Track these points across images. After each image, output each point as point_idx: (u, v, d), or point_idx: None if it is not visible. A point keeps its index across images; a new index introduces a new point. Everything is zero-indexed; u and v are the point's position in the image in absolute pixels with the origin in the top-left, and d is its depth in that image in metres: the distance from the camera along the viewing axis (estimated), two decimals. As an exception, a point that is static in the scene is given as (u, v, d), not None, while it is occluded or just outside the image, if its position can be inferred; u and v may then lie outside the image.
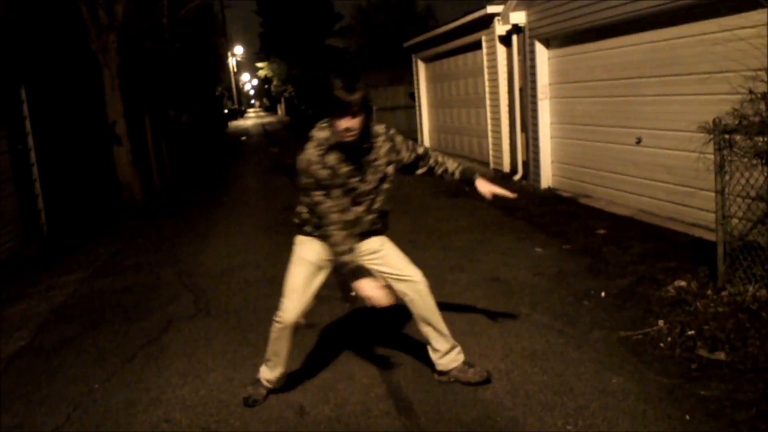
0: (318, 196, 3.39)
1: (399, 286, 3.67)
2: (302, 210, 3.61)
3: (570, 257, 6.36)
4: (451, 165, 3.78)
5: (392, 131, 3.62)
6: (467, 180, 3.74)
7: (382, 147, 3.51)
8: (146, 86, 14.46)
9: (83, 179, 10.47)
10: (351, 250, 3.43)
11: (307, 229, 3.60)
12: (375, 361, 4.30)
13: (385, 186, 3.59)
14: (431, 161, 3.76)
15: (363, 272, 3.44)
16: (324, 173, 3.34)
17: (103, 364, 4.65)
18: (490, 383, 3.82)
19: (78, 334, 5.34)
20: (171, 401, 3.99)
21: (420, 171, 3.78)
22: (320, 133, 3.39)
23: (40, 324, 5.67)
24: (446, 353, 3.85)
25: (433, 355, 3.87)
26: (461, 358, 3.89)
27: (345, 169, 3.38)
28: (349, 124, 3.24)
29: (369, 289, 3.38)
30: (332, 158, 3.35)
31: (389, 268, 3.69)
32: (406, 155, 3.66)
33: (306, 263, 3.63)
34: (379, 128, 3.54)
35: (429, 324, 3.77)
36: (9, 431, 3.81)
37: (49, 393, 4.25)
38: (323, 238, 3.50)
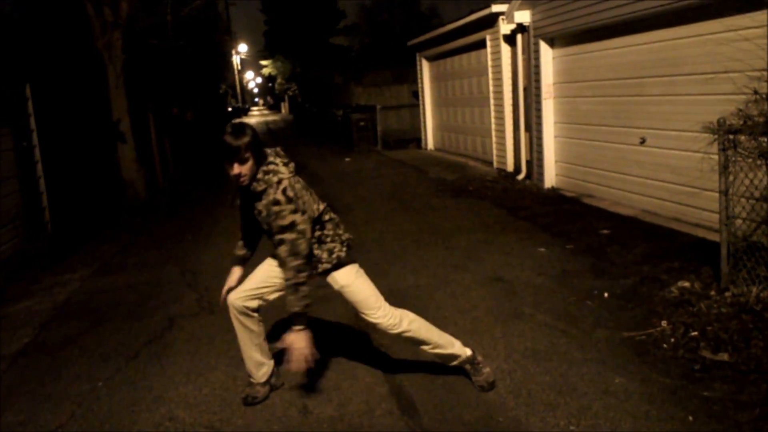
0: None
1: None
2: None
3: (573, 257, 6.36)
4: (287, 292, 3.37)
5: (279, 208, 3.28)
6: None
7: (266, 206, 3.36)
8: (150, 84, 14.48)
9: (87, 177, 10.49)
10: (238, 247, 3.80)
11: None
12: (378, 360, 4.31)
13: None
14: (282, 267, 3.38)
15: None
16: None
17: (106, 362, 4.66)
18: (490, 390, 3.80)
19: (81, 332, 5.35)
20: (174, 399, 4.01)
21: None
22: None
23: (44, 322, 5.68)
24: (439, 356, 3.85)
25: None
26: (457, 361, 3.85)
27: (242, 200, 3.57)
28: (238, 170, 3.29)
29: None
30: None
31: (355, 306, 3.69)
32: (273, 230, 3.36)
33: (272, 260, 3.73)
34: (275, 192, 3.30)
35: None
36: (13, 428, 3.83)
37: (53, 390, 4.26)
38: None
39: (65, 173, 9.54)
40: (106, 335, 5.22)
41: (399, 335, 3.66)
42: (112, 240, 8.91)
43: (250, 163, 3.30)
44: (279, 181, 3.33)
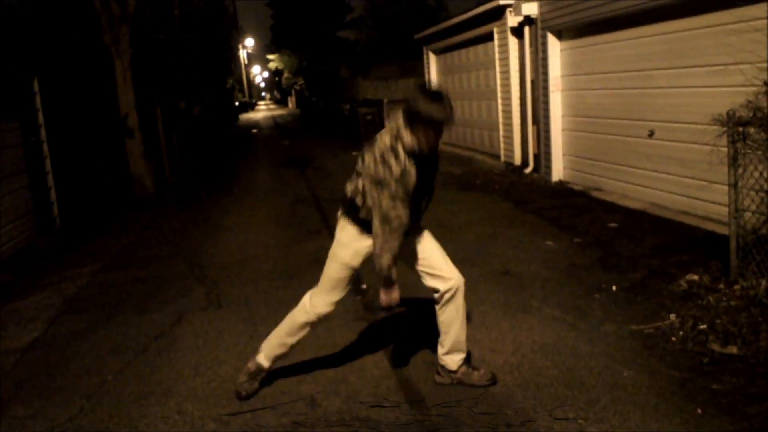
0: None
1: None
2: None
3: (581, 251, 6.35)
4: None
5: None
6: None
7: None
8: (158, 78, 14.51)
9: (95, 171, 10.53)
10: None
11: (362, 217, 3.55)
12: (386, 353, 4.32)
13: None
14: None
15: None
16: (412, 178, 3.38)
17: (115, 355, 4.69)
18: (495, 384, 3.79)
19: (91, 326, 5.38)
20: (183, 393, 4.02)
21: None
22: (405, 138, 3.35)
23: (54, 316, 5.71)
24: (449, 353, 3.80)
25: (439, 349, 3.84)
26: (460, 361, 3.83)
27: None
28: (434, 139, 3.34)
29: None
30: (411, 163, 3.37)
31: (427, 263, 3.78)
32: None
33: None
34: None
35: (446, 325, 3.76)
36: (23, 421, 3.85)
37: (63, 384, 4.29)
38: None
39: (73, 168, 9.57)
40: (115, 329, 5.24)
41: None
42: (120, 234, 8.94)
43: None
44: None
